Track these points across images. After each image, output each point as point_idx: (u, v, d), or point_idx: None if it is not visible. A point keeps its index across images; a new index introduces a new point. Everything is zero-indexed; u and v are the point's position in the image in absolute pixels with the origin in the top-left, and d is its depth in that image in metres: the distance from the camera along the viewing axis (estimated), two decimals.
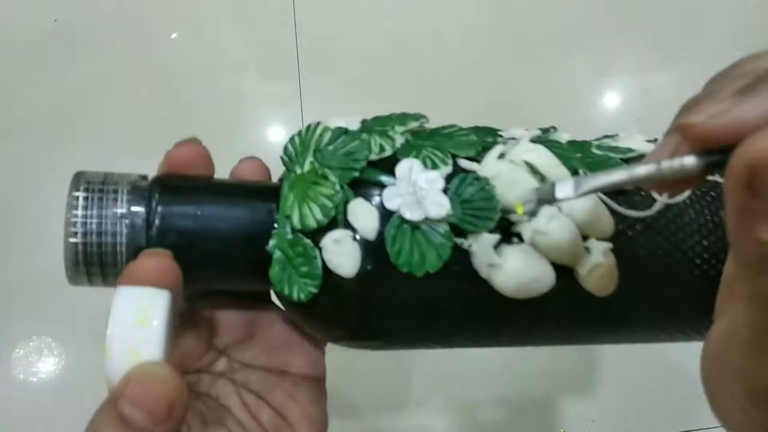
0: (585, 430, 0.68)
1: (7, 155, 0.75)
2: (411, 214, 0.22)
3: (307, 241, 0.22)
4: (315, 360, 0.28)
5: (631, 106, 0.83)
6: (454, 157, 0.24)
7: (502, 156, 0.24)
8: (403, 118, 0.25)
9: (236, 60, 0.83)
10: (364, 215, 0.22)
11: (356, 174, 0.22)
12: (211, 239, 0.23)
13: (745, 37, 0.84)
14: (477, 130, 0.26)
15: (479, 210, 0.22)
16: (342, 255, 0.22)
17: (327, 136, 0.24)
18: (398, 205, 0.22)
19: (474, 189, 0.23)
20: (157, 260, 0.21)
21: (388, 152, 0.23)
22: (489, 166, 0.23)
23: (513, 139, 0.26)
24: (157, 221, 0.23)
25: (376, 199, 0.22)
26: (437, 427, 0.66)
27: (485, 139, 0.26)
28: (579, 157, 0.25)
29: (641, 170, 0.17)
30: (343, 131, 0.24)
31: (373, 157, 0.23)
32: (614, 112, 0.84)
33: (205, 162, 0.25)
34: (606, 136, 0.29)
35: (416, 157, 0.23)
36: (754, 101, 0.15)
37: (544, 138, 0.27)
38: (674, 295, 0.25)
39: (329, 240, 0.22)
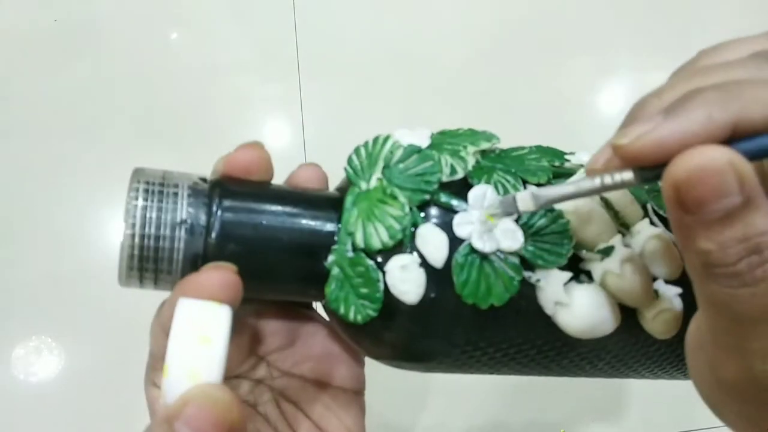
0: (585, 430, 0.68)
1: (8, 155, 0.75)
2: (482, 245, 0.21)
3: (370, 262, 0.22)
4: (355, 373, 0.27)
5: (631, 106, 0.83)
6: (524, 182, 0.23)
7: None
8: (473, 136, 0.24)
9: (236, 60, 0.83)
10: (433, 241, 0.21)
11: (427, 197, 0.21)
12: (269, 250, 0.22)
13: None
14: (542, 152, 0.25)
15: (552, 245, 0.22)
16: (407, 282, 0.21)
17: (398, 153, 0.23)
18: (469, 233, 0.21)
19: (547, 221, 0.22)
20: (222, 274, 0.21)
21: (460, 174, 0.22)
22: None
23: (581, 165, 0.25)
24: (216, 228, 0.22)
25: (447, 225, 0.21)
26: (446, 425, 0.66)
27: (554, 163, 0.25)
28: (646, 189, 0.24)
29: (586, 184, 0.18)
30: (415, 150, 0.23)
31: (445, 179, 0.22)
32: (614, 112, 0.84)
33: (267, 167, 0.25)
34: None
35: (488, 181, 0.22)
36: (676, 122, 0.16)
37: None
38: None
39: (395, 265, 0.21)
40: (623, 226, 0.23)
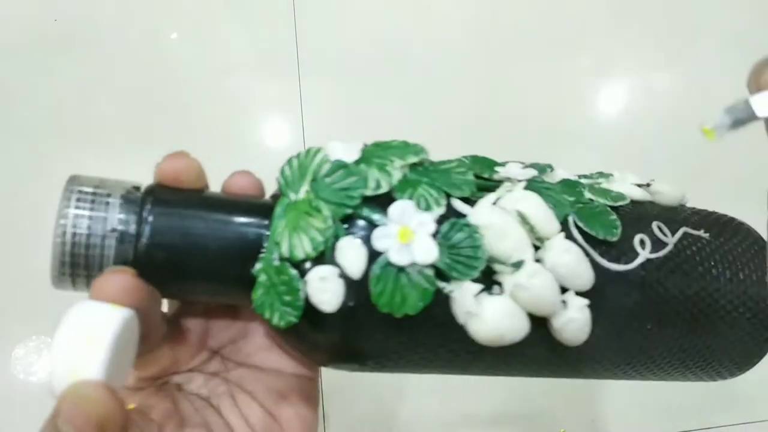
0: (585, 430, 0.68)
1: (7, 155, 0.75)
2: (398, 258, 0.22)
3: (294, 271, 0.23)
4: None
5: (631, 106, 0.83)
6: (448, 196, 0.24)
7: (495, 202, 0.24)
8: (403, 150, 0.25)
9: (236, 60, 0.83)
10: (351, 254, 0.22)
11: (349, 211, 0.23)
12: (198, 256, 0.23)
13: (745, 37, 0.84)
14: (472, 164, 0.26)
15: (466, 258, 0.23)
16: (326, 292, 0.22)
17: (326, 167, 0.24)
18: (386, 246, 0.22)
19: (463, 236, 0.23)
20: (119, 278, 0.21)
21: (384, 189, 0.23)
22: (480, 215, 0.24)
23: (508, 180, 0.26)
24: (146, 236, 0.23)
25: (366, 238, 0.23)
26: (435, 422, 0.66)
27: (482, 174, 0.26)
28: (571, 201, 0.26)
29: None
30: (341, 165, 0.24)
31: (369, 192, 0.23)
32: (614, 112, 0.84)
33: (196, 175, 0.25)
34: (600, 174, 0.30)
35: (411, 196, 0.23)
36: None
37: (538, 181, 0.27)
38: (639, 341, 0.26)
39: (315, 275, 0.22)
40: (539, 240, 0.24)
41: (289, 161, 0.25)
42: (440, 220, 0.23)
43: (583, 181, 0.29)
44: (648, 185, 0.29)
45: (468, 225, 0.23)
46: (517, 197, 0.24)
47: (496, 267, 0.23)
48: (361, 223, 0.23)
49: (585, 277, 0.24)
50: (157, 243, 0.23)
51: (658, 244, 0.26)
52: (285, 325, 0.23)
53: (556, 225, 0.24)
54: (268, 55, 0.84)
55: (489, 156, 0.28)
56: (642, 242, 0.25)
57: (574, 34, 0.86)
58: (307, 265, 0.23)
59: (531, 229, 0.24)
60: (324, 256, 0.23)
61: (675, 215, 0.28)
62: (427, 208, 0.23)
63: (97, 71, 0.81)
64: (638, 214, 0.27)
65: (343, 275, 0.22)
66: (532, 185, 0.26)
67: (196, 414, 0.26)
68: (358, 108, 0.80)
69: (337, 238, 0.22)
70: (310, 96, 0.80)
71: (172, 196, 0.24)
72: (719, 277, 0.27)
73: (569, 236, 0.24)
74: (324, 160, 0.24)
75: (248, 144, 0.79)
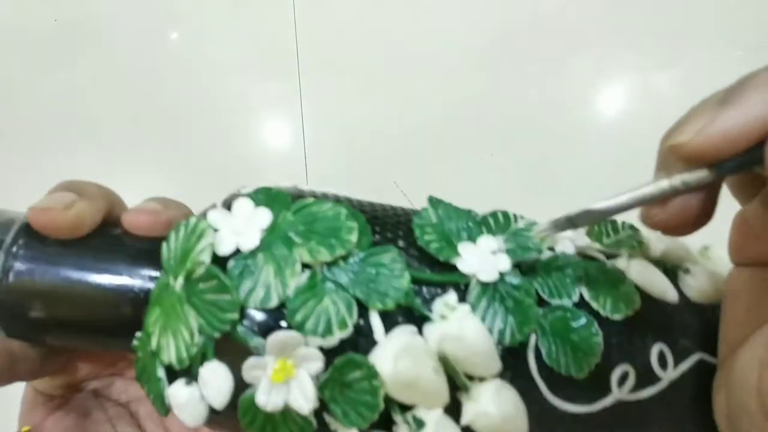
0: None
1: (7, 155, 0.75)
2: (266, 399, 0.18)
3: (161, 373, 0.20)
4: None
5: (631, 106, 0.83)
6: (360, 307, 0.19)
7: (420, 329, 0.19)
8: (329, 232, 0.20)
9: (236, 60, 0.83)
10: (215, 383, 0.19)
11: (217, 334, 0.19)
12: (73, 305, 0.21)
13: (745, 37, 0.84)
14: (435, 231, 0.21)
15: (358, 404, 0.18)
16: (185, 412, 0.19)
17: (200, 269, 0.19)
18: (256, 382, 0.18)
19: (359, 376, 0.18)
20: None
21: (273, 303, 0.18)
22: (384, 358, 0.18)
23: (461, 277, 0.20)
24: (10, 279, 0.20)
25: (236, 364, 0.19)
26: None
27: (432, 265, 0.20)
28: (542, 312, 0.20)
29: (648, 190, 0.17)
30: (215, 274, 0.19)
31: (251, 307, 0.19)
32: (614, 112, 0.84)
33: (71, 228, 0.21)
34: (631, 234, 0.24)
35: (309, 313, 0.18)
36: (735, 110, 0.15)
37: (505, 281, 0.20)
38: None
39: (177, 391, 0.19)
40: (468, 377, 0.19)
41: (177, 230, 0.20)
42: (340, 347, 0.18)
43: (595, 252, 0.23)
44: (687, 269, 0.22)
45: (366, 365, 0.18)
46: (452, 325, 0.19)
47: (396, 417, 0.19)
48: (232, 346, 0.19)
49: (517, 430, 0.19)
50: (24, 284, 0.20)
51: (646, 379, 0.20)
52: (159, 411, 0.21)
53: (493, 366, 0.19)
54: (268, 55, 0.84)
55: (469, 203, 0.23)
56: (622, 379, 0.20)
57: (574, 34, 0.86)
58: (172, 373, 0.20)
59: (455, 373, 0.19)
60: (189, 373, 0.19)
61: (701, 325, 0.21)
62: (326, 330, 0.18)
63: (97, 71, 0.81)
64: (641, 326, 0.21)
65: (205, 399, 0.19)
66: (489, 291, 0.20)
67: (105, 425, 0.25)
68: (357, 108, 0.80)
69: (204, 357, 0.19)
70: (310, 96, 0.80)
71: (44, 237, 0.21)
72: None
73: (519, 363, 0.20)
74: (203, 252, 0.19)
75: (248, 144, 0.79)
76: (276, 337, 0.18)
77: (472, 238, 0.21)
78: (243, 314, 0.19)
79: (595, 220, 0.18)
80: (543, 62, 0.84)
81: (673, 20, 0.87)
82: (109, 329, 0.21)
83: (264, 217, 0.20)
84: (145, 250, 0.21)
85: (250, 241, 0.19)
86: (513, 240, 0.21)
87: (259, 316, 0.19)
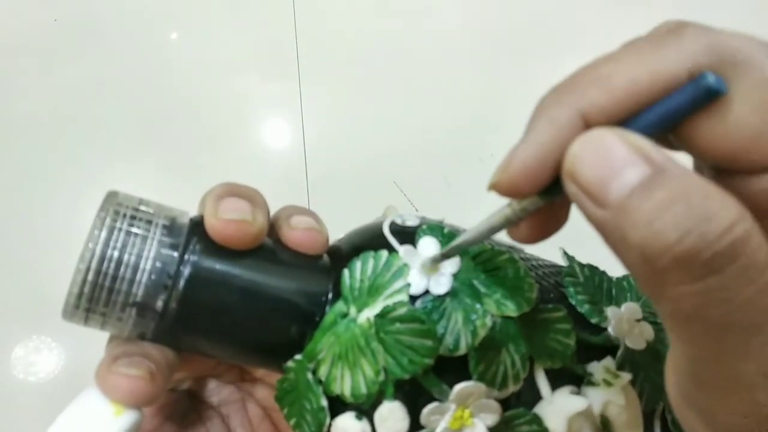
0: None
1: (7, 155, 0.75)
2: None
3: (324, 402, 0.19)
4: None
5: None
6: (532, 363, 0.19)
7: (579, 388, 0.20)
8: (506, 291, 0.19)
9: (236, 60, 0.83)
10: (392, 424, 0.19)
11: (407, 376, 0.18)
12: (239, 318, 0.20)
13: None
14: (575, 317, 0.20)
15: None
16: None
17: (401, 310, 0.19)
18: (434, 426, 0.18)
19: (526, 431, 0.19)
20: (130, 383, 0.19)
21: (462, 351, 0.18)
22: (560, 413, 0.19)
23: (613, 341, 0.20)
24: (184, 279, 0.19)
25: (415, 407, 0.19)
26: None
27: (586, 338, 0.20)
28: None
29: (484, 225, 0.17)
30: (418, 317, 0.18)
31: (442, 352, 0.18)
32: None
33: (253, 239, 0.21)
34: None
35: (490, 365, 0.18)
36: (527, 141, 0.15)
37: (643, 357, 0.20)
38: None
39: (344, 423, 0.19)
40: None
41: (364, 261, 0.20)
42: (509, 400, 0.19)
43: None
44: None
45: (537, 420, 0.19)
46: (614, 396, 0.19)
47: None
48: (415, 390, 0.19)
49: None
50: (195, 292, 0.19)
51: None
52: None
53: (640, 430, 0.20)
54: (268, 55, 0.84)
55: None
56: None
57: (574, 34, 0.86)
58: (339, 405, 0.19)
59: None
60: (360, 408, 0.19)
61: None
62: (502, 383, 0.19)
63: (97, 71, 0.81)
64: None
65: None
66: (635, 358, 0.20)
67: (199, 427, 0.25)
68: (357, 108, 0.80)
69: (382, 397, 0.19)
70: (310, 96, 0.80)
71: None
72: None
73: (648, 428, 0.20)
74: (402, 291, 0.19)
75: (248, 144, 0.79)
76: (464, 387, 0.18)
77: (617, 303, 0.21)
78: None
79: (463, 249, 0.19)
80: (543, 62, 0.84)
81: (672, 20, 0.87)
82: (267, 348, 0.20)
83: (454, 261, 0.20)
84: (310, 268, 0.21)
85: (442, 286, 0.19)
86: (649, 305, 0.22)
87: (447, 362, 0.18)
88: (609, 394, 0.19)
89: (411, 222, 0.21)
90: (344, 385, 0.19)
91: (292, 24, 0.84)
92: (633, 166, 0.13)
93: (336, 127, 0.79)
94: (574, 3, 0.88)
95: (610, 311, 0.21)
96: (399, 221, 0.21)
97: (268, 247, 0.21)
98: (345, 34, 0.85)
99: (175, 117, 0.79)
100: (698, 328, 0.12)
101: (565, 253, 0.23)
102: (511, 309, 0.19)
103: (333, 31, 0.85)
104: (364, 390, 0.19)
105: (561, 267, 0.23)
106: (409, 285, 0.19)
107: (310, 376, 0.19)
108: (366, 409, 0.19)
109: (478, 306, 0.19)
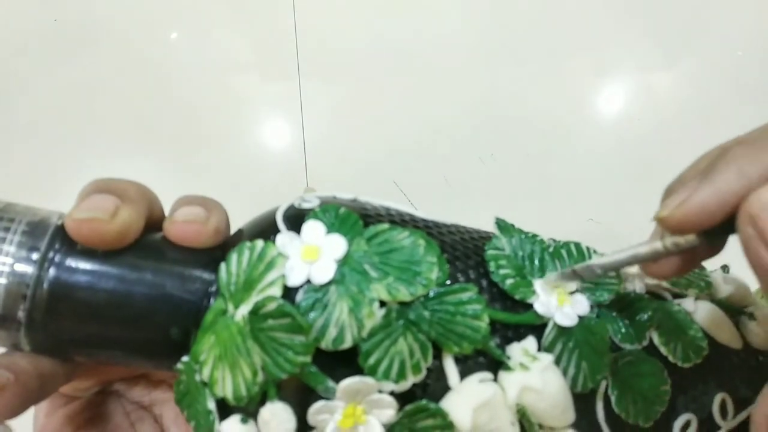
0: None
1: (7, 155, 0.75)
2: None
3: (210, 404, 0.18)
4: None
5: (631, 106, 0.83)
6: (437, 349, 0.18)
7: (495, 374, 0.18)
8: (399, 273, 0.18)
9: (236, 60, 0.83)
10: (277, 426, 0.17)
11: (284, 376, 0.17)
12: (111, 322, 0.18)
13: (744, 37, 0.84)
14: (511, 267, 0.20)
15: None
16: None
17: (272, 305, 0.17)
18: (322, 426, 0.17)
19: (430, 425, 0.17)
20: None
21: (347, 344, 0.17)
22: (457, 406, 0.17)
23: (538, 319, 0.19)
24: (46, 285, 0.18)
25: (302, 407, 0.17)
26: None
27: (506, 305, 0.19)
28: (612, 359, 0.19)
29: (643, 249, 0.18)
30: (288, 313, 0.17)
31: (325, 346, 0.17)
32: (614, 112, 0.84)
33: (115, 237, 0.19)
34: (698, 274, 0.23)
35: (383, 356, 0.17)
36: (711, 185, 0.16)
37: (585, 324, 0.19)
38: None
39: (228, 428, 0.18)
40: (540, 427, 0.18)
41: (240, 254, 0.18)
42: (411, 391, 0.17)
43: (663, 291, 0.22)
44: (752, 315, 0.21)
45: (440, 413, 0.17)
46: (530, 380, 0.18)
47: None
48: (300, 388, 0.17)
49: None
50: (60, 298, 0.18)
51: (707, 427, 0.20)
52: None
53: (569, 417, 0.18)
54: (268, 55, 0.84)
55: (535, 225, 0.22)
56: (684, 428, 0.19)
57: (574, 34, 0.86)
58: (225, 408, 0.18)
59: (530, 425, 0.18)
60: (245, 410, 0.18)
61: (760, 372, 0.21)
62: (400, 375, 0.17)
63: (97, 71, 0.81)
64: (706, 374, 0.20)
65: None
66: (566, 336, 0.19)
67: (127, 428, 0.24)
68: (357, 108, 0.80)
69: (265, 398, 0.18)
70: (310, 96, 0.80)
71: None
72: None
73: (587, 410, 0.19)
74: (274, 285, 0.18)
75: (248, 144, 0.79)
76: (349, 383, 0.17)
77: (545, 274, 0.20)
78: (315, 354, 0.17)
79: (596, 275, 0.19)
80: (543, 62, 0.84)
81: (673, 20, 0.87)
82: (150, 349, 0.19)
83: (339, 246, 0.18)
84: (192, 263, 0.19)
85: (323, 273, 0.18)
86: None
87: (331, 357, 0.17)
88: (525, 378, 0.18)
89: (309, 204, 0.20)
90: (226, 388, 0.18)
91: (292, 24, 0.84)
92: None
93: (336, 127, 0.79)
94: (574, 4, 0.88)
95: (538, 284, 0.19)
96: (297, 204, 0.20)
97: (148, 244, 0.20)
98: (345, 34, 0.85)
99: (174, 117, 0.78)
100: None
101: (497, 223, 0.21)
102: (403, 293, 0.17)
103: (333, 31, 0.85)
104: (244, 392, 0.17)
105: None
106: (283, 276, 0.18)
107: (197, 378, 0.18)
108: (252, 411, 0.18)
109: (366, 293, 0.17)
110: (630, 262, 0.18)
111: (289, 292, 0.18)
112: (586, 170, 0.76)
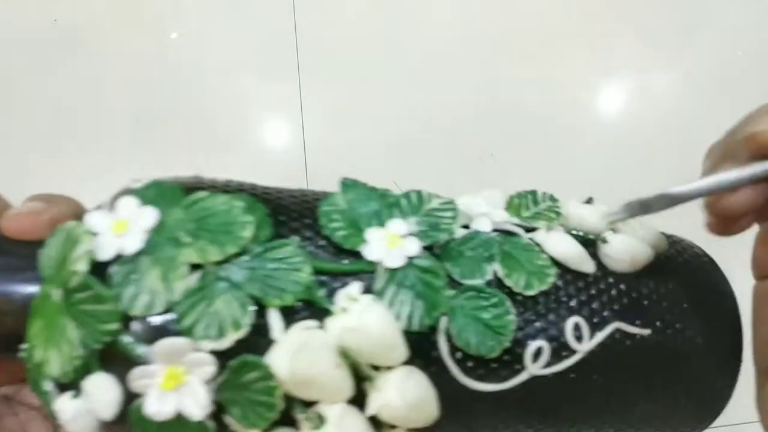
0: None
1: (7, 154, 0.75)
2: (157, 409, 0.18)
3: (49, 386, 0.19)
4: None
5: (631, 106, 0.83)
6: (259, 305, 0.18)
7: (323, 323, 0.18)
8: (212, 235, 0.18)
9: (236, 60, 0.83)
10: (101, 394, 0.18)
11: (98, 346, 0.18)
12: None
13: (744, 37, 0.84)
14: (344, 217, 0.20)
15: (256, 404, 0.18)
16: (74, 425, 0.18)
17: (75, 279, 0.18)
18: (144, 391, 0.18)
19: (255, 377, 0.18)
20: None
21: (158, 309, 0.17)
22: (283, 352, 0.18)
23: (368, 265, 0.20)
24: None
25: (122, 375, 0.18)
26: None
27: (337, 255, 0.20)
28: (451, 294, 0.20)
29: (729, 176, 0.17)
30: (89, 284, 0.18)
31: (136, 312, 0.17)
32: (614, 112, 0.84)
33: None
34: (550, 206, 0.23)
35: (200, 316, 0.18)
36: None
37: (415, 264, 0.20)
38: None
39: (64, 406, 0.18)
40: (368, 375, 0.19)
41: (55, 235, 0.19)
42: (237, 348, 0.18)
43: (512, 226, 0.22)
44: (603, 240, 0.22)
45: (261, 366, 0.18)
46: (349, 321, 0.18)
47: (297, 414, 0.18)
48: (118, 355, 0.18)
49: (426, 415, 0.19)
50: None
51: (562, 352, 0.20)
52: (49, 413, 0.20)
53: (399, 355, 0.19)
54: (268, 55, 0.84)
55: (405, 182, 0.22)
56: (536, 354, 0.20)
57: (574, 34, 0.86)
58: (58, 386, 0.18)
59: (358, 365, 0.18)
60: (74, 386, 0.18)
61: (618, 295, 0.21)
62: (219, 333, 0.17)
63: (96, 71, 0.81)
64: (555, 300, 0.20)
65: (94, 411, 0.18)
66: (397, 277, 0.19)
67: (16, 430, 0.24)
68: (357, 108, 0.80)
69: (88, 370, 0.18)
70: (310, 96, 0.80)
71: None
72: (648, 388, 0.21)
73: (429, 348, 0.19)
74: (80, 260, 0.18)
75: (248, 144, 0.79)
76: (162, 344, 0.17)
77: (381, 223, 0.20)
78: (128, 323, 0.18)
79: (669, 206, 0.18)
80: (543, 63, 0.84)
81: (672, 20, 0.87)
82: None
83: (149, 216, 0.18)
84: (27, 255, 0.19)
85: (132, 244, 0.18)
86: (426, 221, 0.21)
87: (144, 323, 0.18)
88: (344, 320, 0.18)
89: (139, 184, 0.20)
90: (53, 367, 0.18)
91: (292, 24, 0.84)
92: None
93: (336, 127, 0.79)
94: (574, 4, 0.88)
95: (369, 233, 0.20)
96: (133, 185, 0.20)
97: None
98: (345, 34, 0.85)
99: (174, 117, 0.79)
100: None
101: (342, 182, 0.22)
102: (213, 253, 0.18)
103: (333, 32, 0.85)
104: (67, 367, 0.18)
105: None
106: (89, 252, 0.18)
107: (35, 360, 0.19)
108: (80, 386, 0.18)
109: (177, 258, 0.18)
110: (712, 188, 0.17)
111: (101, 267, 0.18)
112: (586, 170, 0.76)
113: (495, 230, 0.22)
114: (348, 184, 0.21)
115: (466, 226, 0.22)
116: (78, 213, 0.20)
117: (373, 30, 0.86)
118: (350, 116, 0.79)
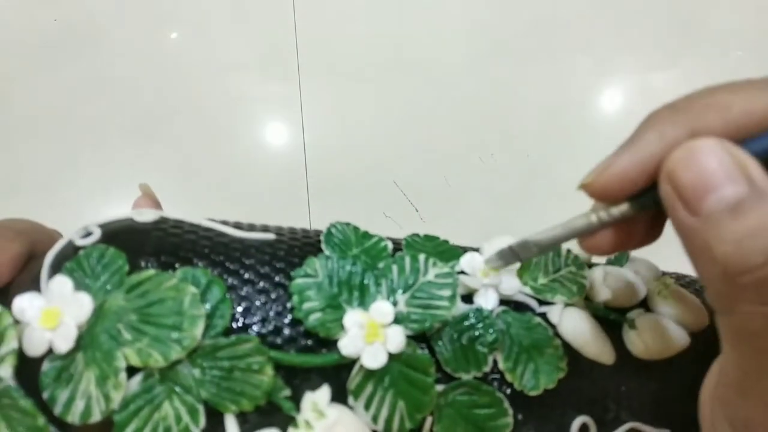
0: None
1: (7, 154, 0.75)
2: None
3: None
4: None
5: (631, 106, 0.83)
6: (213, 410, 0.16)
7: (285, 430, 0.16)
8: (158, 332, 0.16)
9: (236, 60, 0.83)
10: None
11: None
12: None
13: (744, 36, 0.84)
14: (299, 331, 0.17)
15: None
16: None
17: (3, 376, 0.16)
18: None
19: None
20: None
21: (96, 418, 0.15)
22: None
23: (341, 358, 0.17)
24: None
25: None
26: None
27: (299, 362, 0.17)
28: (443, 390, 0.17)
29: (579, 222, 0.17)
30: (12, 393, 0.16)
31: (71, 420, 0.16)
32: (614, 112, 0.84)
33: None
34: (574, 271, 0.20)
35: (143, 425, 0.15)
36: (632, 149, 0.16)
37: (388, 371, 0.17)
38: None
39: None
40: None
41: None
42: None
43: (524, 297, 0.19)
44: (632, 323, 0.19)
45: None
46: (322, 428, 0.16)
47: None
48: None
49: None
50: None
51: None
52: None
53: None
54: (268, 55, 0.84)
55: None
56: None
57: (574, 34, 0.86)
58: None
59: None
60: None
61: (639, 389, 0.18)
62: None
63: (97, 71, 0.81)
64: (563, 397, 0.18)
65: None
66: (375, 376, 0.17)
67: None
68: (357, 108, 0.80)
69: None
70: (310, 96, 0.80)
71: None
72: None
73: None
74: (3, 364, 0.16)
75: (248, 144, 0.79)
76: None
77: (363, 303, 0.17)
78: (64, 428, 0.16)
79: (535, 253, 0.18)
80: (543, 63, 0.84)
81: (672, 20, 0.87)
82: None
83: (82, 308, 0.16)
84: None
85: (64, 342, 0.15)
86: (418, 301, 0.18)
87: (89, 429, 0.16)
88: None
89: (86, 240, 0.17)
90: None
91: (292, 24, 0.84)
92: (733, 182, 0.13)
93: (336, 128, 0.79)
94: (574, 4, 0.88)
95: (348, 317, 0.17)
96: (77, 239, 0.18)
97: None
98: (345, 34, 0.85)
99: (174, 117, 0.78)
100: (760, 345, 0.14)
101: (327, 230, 0.19)
102: (156, 358, 0.15)
103: (333, 32, 0.85)
104: None
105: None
106: (14, 351, 0.15)
107: None
108: None
109: (115, 360, 0.15)
110: (567, 236, 0.17)
111: (34, 362, 0.16)
112: (586, 170, 0.76)
113: (503, 302, 0.19)
114: (332, 237, 0.18)
115: (468, 295, 0.19)
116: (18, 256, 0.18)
117: (373, 30, 0.86)
118: (350, 116, 0.79)
